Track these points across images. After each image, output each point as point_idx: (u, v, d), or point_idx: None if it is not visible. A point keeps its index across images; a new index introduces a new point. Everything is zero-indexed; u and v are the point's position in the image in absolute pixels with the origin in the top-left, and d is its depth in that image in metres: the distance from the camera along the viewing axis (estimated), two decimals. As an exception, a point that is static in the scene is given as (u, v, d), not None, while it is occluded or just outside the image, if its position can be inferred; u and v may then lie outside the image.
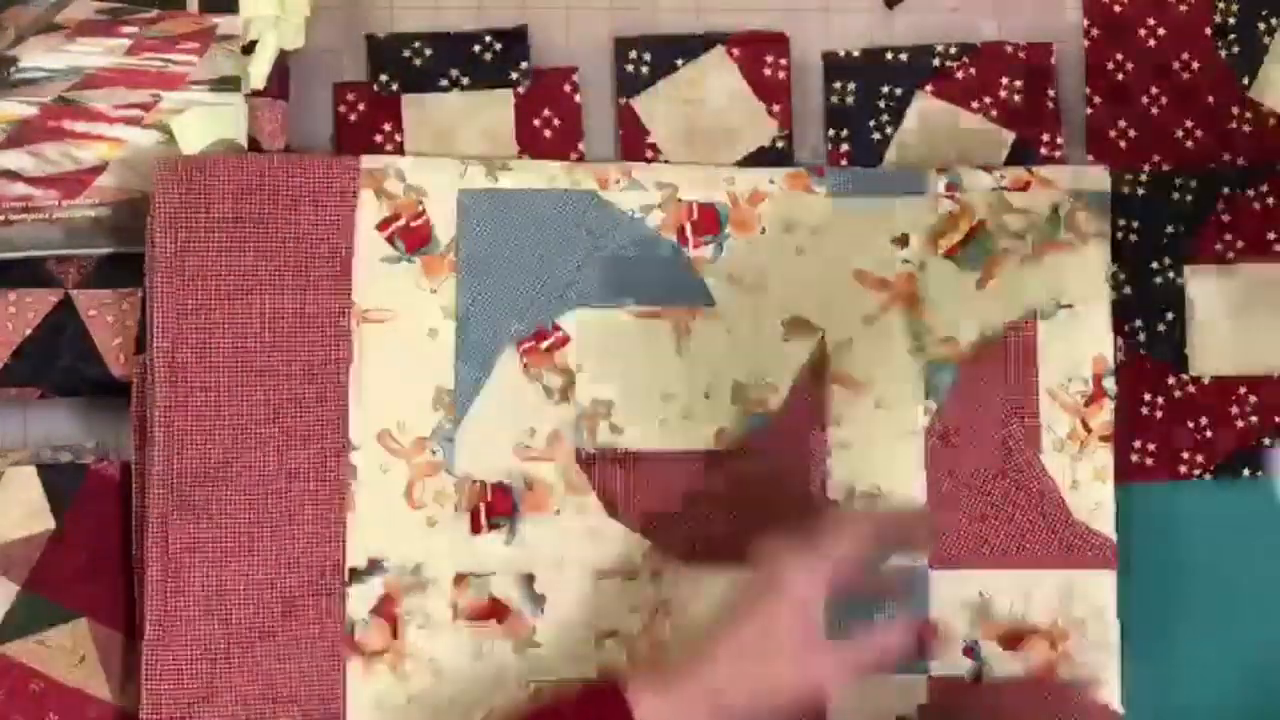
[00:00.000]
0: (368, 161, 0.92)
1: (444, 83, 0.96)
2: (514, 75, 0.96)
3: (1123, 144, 0.98)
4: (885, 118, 0.98)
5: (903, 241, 0.94)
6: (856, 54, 0.98)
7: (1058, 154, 0.98)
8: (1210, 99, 0.99)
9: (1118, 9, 0.99)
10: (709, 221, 0.94)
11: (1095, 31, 0.99)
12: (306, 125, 0.96)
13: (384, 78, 0.96)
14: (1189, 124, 0.98)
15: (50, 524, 0.91)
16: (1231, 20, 0.99)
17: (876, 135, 0.98)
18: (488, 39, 0.96)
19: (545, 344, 0.93)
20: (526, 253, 0.92)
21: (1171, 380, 0.97)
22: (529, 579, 0.92)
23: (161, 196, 0.90)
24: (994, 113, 0.98)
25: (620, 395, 0.92)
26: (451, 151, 0.96)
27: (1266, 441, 0.97)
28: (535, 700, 0.89)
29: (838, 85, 0.98)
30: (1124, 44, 0.99)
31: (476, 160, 0.93)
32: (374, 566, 0.91)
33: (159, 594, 0.89)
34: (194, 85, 0.92)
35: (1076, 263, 0.94)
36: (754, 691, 0.77)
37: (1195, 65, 0.99)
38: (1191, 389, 0.97)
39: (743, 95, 0.97)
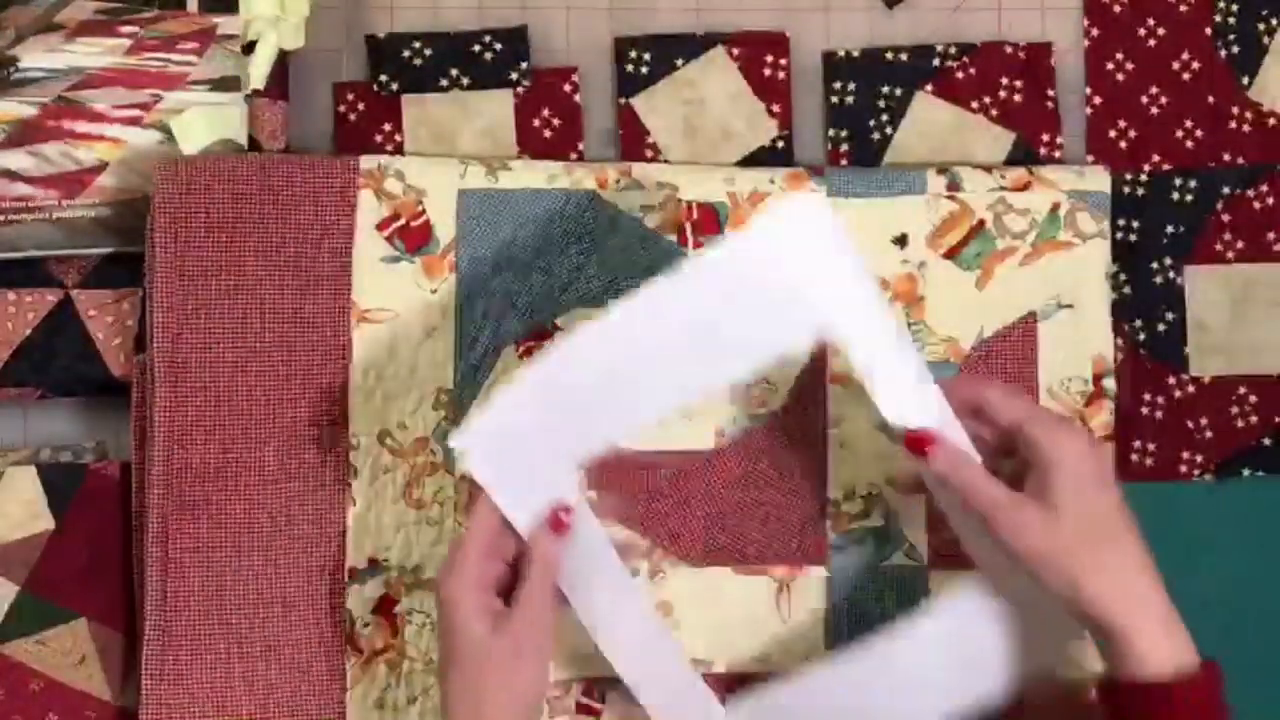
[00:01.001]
0: (367, 161, 0.92)
1: (444, 83, 0.96)
2: (514, 75, 0.96)
3: (1123, 144, 0.98)
4: (885, 118, 0.98)
5: (903, 241, 0.94)
6: (856, 54, 0.98)
7: (1058, 154, 0.98)
8: (1210, 99, 0.99)
9: (1118, 9, 0.99)
10: (709, 221, 0.94)
11: (1095, 31, 0.99)
12: (306, 125, 0.96)
13: (384, 78, 0.96)
14: (1189, 124, 0.98)
15: (50, 524, 0.91)
16: (1231, 20, 0.99)
17: (876, 135, 0.98)
18: (488, 39, 0.96)
19: (545, 344, 0.93)
20: (526, 253, 0.92)
21: (1171, 380, 0.97)
22: (529, 579, 0.92)
23: (161, 196, 0.90)
24: (994, 113, 0.98)
25: (620, 395, 0.92)
26: (451, 151, 0.96)
27: (1266, 441, 0.97)
28: None
29: (838, 85, 0.98)
30: (1124, 44, 0.99)
31: (476, 160, 0.93)
32: (374, 566, 0.91)
33: (159, 594, 0.89)
34: (194, 85, 0.92)
35: (1076, 263, 0.94)
36: None
37: (1195, 65, 0.99)
38: (1191, 389, 0.97)
39: (743, 95, 0.97)
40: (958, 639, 0.82)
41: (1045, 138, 0.98)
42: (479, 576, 0.79)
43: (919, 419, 0.80)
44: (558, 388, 0.80)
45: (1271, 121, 0.99)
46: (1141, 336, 0.97)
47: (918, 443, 0.79)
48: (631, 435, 0.87)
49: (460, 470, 0.91)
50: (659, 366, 0.80)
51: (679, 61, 0.97)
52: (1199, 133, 0.98)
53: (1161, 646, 0.76)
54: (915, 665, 0.83)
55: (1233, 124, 0.98)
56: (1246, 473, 0.97)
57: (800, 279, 0.78)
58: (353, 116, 0.96)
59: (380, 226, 0.92)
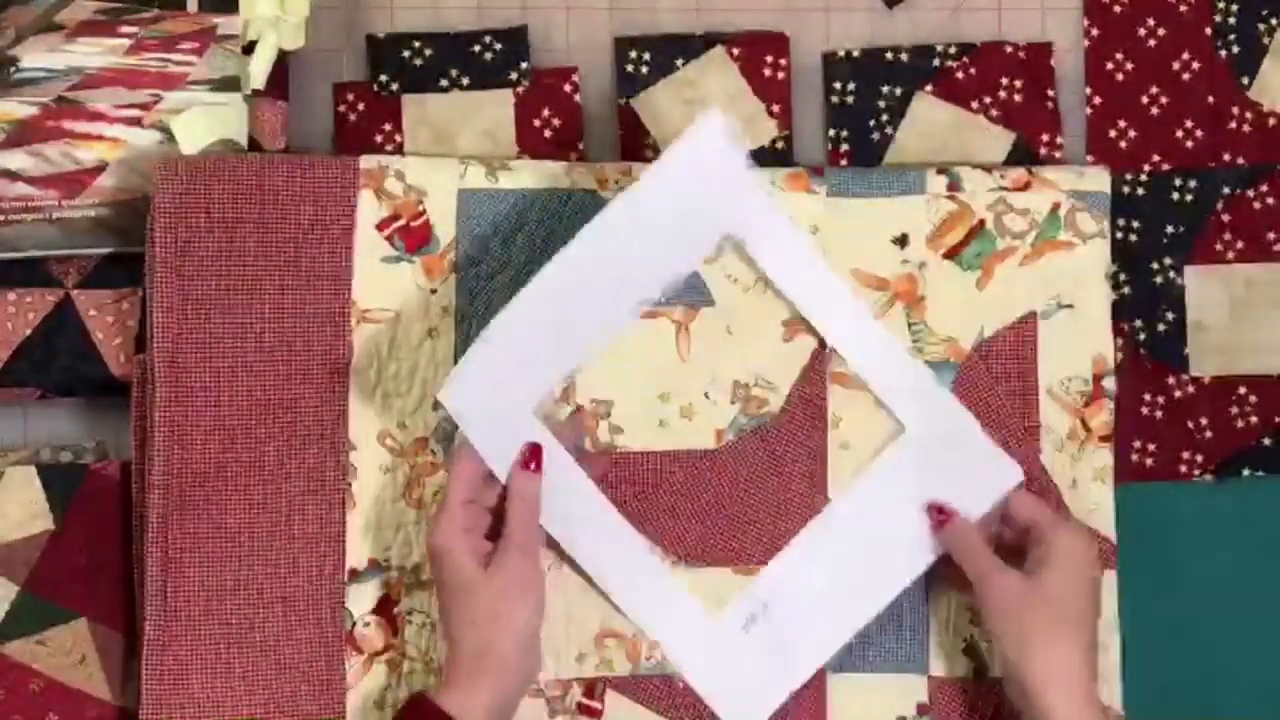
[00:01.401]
0: (367, 161, 0.92)
1: (444, 83, 0.96)
2: (514, 75, 0.96)
3: (1123, 144, 0.98)
4: (885, 118, 0.98)
5: (903, 241, 0.94)
6: (856, 54, 0.98)
7: (1058, 154, 0.98)
8: (1210, 99, 0.99)
9: (1118, 9, 0.99)
10: (709, 221, 0.94)
11: (1095, 31, 0.99)
12: (306, 125, 0.96)
13: (384, 78, 0.96)
14: (1189, 124, 0.98)
15: (50, 524, 0.91)
16: (1231, 20, 0.99)
17: (876, 135, 0.98)
18: (488, 39, 0.96)
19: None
20: (526, 253, 0.92)
21: (1171, 380, 0.97)
22: (529, 579, 0.92)
23: (161, 196, 0.90)
24: (994, 113, 0.98)
25: (620, 395, 0.92)
26: (451, 151, 0.96)
27: (1266, 441, 0.97)
28: None
29: (838, 85, 0.98)
30: (1124, 44, 0.99)
31: (476, 160, 0.93)
32: (374, 566, 0.91)
33: (159, 594, 0.89)
34: (194, 85, 0.92)
35: (1076, 263, 0.94)
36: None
37: (1195, 65, 0.99)
38: (1191, 389, 0.97)
39: (743, 95, 0.97)
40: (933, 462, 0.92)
41: (1045, 138, 0.98)
42: (465, 522, 0.84)
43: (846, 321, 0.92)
44: (518, 336, 0.85)
45: (1271, 121, 0.99)
46: (1141, 336, 0.97)
47: (939, 515, 0.90)
48: (586, 363, 0.91)
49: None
50: (602, 296, 0.88)
51: (679, 61, 0.97)
52: (1199, 133, 0.98)
53: None
54: (902, 495, 0.91)
55: (1233, 124, 0.98)
56: (1246, 473, 0.97)
57: (711, 191, 0.88)
58: (353, 116, 0.96)
59: (380, 226, 0.92)
